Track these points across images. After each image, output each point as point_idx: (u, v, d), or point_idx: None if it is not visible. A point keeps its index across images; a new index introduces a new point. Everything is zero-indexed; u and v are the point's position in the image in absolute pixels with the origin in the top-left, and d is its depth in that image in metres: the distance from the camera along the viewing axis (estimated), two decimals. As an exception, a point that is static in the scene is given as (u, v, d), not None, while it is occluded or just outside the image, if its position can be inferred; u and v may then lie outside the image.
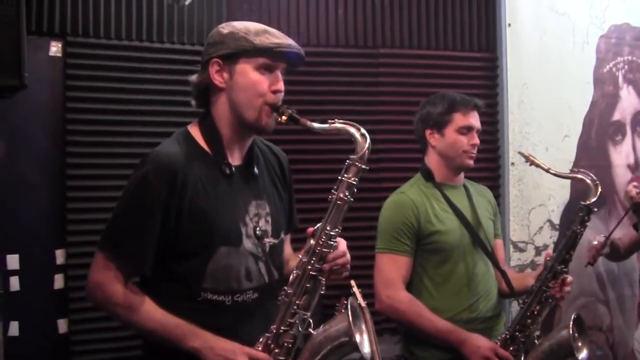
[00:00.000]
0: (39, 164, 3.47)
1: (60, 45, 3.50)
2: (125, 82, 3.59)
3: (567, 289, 2.96)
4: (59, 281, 3.49)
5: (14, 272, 3.38)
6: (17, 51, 2.45)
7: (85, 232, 3.46)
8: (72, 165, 3.50)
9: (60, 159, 3.49)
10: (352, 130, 2.14)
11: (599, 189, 3.02)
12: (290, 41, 2.21)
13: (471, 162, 3.10)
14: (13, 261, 3.38)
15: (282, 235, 2.37)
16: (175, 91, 3.57)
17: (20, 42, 2.47)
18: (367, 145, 2.11)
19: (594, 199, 3.01)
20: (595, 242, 3.48)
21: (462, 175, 3.20)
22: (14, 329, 3.38)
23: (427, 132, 3.12)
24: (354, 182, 2.12)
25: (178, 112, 3.56)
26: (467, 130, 3.06)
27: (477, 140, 3.09)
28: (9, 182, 3.40)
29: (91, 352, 3.50)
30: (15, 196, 3.41)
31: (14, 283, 3.39)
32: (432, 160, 3.14)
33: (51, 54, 3.49)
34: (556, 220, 4.43)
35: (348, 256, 2.20)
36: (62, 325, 3.49)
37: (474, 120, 3.10)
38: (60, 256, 3.49)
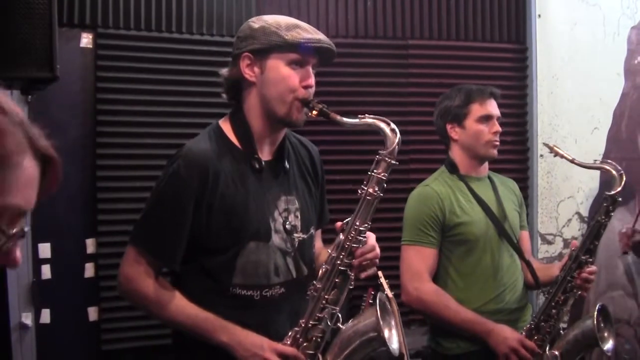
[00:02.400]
0: (70, 154, 3.50)
1: (91, 37, 3.53)
2: (155, 73, 3.62)
3: (592, 278, 2.95)
4: (89, 270, 3.54)
5: (45, 261, 3.44)
6: (49, 44, 2.48)
7: (115, 222, 3.51)
8: (103, 156, 3.54)
9: (91, 149, 3.53)
10: (382, 125, 2.13)
11: (624, 179, 3.01)
12: (321, 36, 2.21)
13: (495, 151, 3.09)
14: (45, 250, 3.43)
15: (312, 231, 2.37)
16: (204, 82, 3.58)
17: (52, 35, 2.49)
18: (397, 141, 2.11)
19: (618, 189, 3.00)
20: (624, 230, 3.46)
21: (486, 166, 3.19)
22: (45, 316, 3.43)
23: (448, 126, 3.12)
24: (384, 178, 2.12)
25: (207, 103, 3.59)
26: (486, 119, 3.06)
27: (498, 128, 3.08)
28: (41, 172, 3.43)
29: (121, 340, 3.55)
30: (46, 186, 3.45)
31: (46, 271, 3.44)
32: (455, 153, 3.14)
33: (82, 45, 3.52)
34: (585, 213, 4.40)
35: (377, 250, 2.19)
36: (93, 313, 3.54)
37: (492, 108, 3.09)
38: (90, 245, 3.54)
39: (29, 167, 1.05)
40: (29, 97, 3.25)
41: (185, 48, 3.68)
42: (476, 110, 3.07)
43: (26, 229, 1.11)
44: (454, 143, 3.14)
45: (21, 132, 1.03)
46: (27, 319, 3.38)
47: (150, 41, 3.62)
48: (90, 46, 3.54)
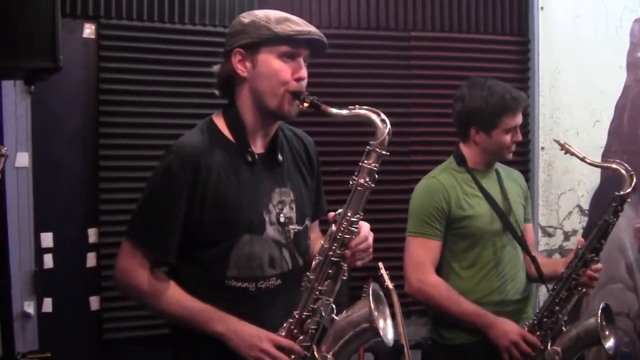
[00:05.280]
0: (73, 145, 3.53)
1: (93, 28, 3.55)
2: (157, 64, 3.63)
3: (597, 276, 2.96)
4: (91, 259, 3.57)
5: (47, 250, 3.47)
6: (52, 34, 2.48)
7: (117, 212, 3.53)
8: (105, 146, 3.56)
9: (93, 139, 3.56)
10: (372, 115, 2.12)
11: (634, 180, 2.99)
12: (311, 28, 2.21)
13: (510, 156, 3.08)
14: (47, 239, 3.46)
15: (307, 222, 2.38)
16: (206, 73, 3.53)
17: (55, 25, 2.50)
18: (387, 131, 2.10)
19: (628, 190, 2.98)
20: (639, 225, 3.48)
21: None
22: (47, 305, 3.46)
23: (472, 130, 3.05)
24: (375, 168, 2.11)
25: (209, 94, 3.52)
26: (513, 129, 3.04)
27: (520, 137, 3.05)
28: (43, 162, 3.46)
29: (122, 329, 3.58)
30: (49, 176, 3.47)
31: (48, 261, 3.47)
32: (469, 149, 3.08)
33: (85, 36, 3.54)
34: (585, 206, 4.41)
35: (370, 240, 2.19)
36: (94, 302, 3.57)
37: (520, 118, 3.04)
38: (92, 235, 3.57)
39: None
40: (32, 87, 3.27)
41: (187, 39, 3.69)
42: (507, 122, 3.00)
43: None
44: (472, 143, 3.09)
45: None
46: (30, 307, 3.41)
47: (153, 32, 3.64)
48: (93, 37, 3.56)
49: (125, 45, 3.58)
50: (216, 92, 2.33)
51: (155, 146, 3.52)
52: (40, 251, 3.45)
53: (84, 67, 3.55)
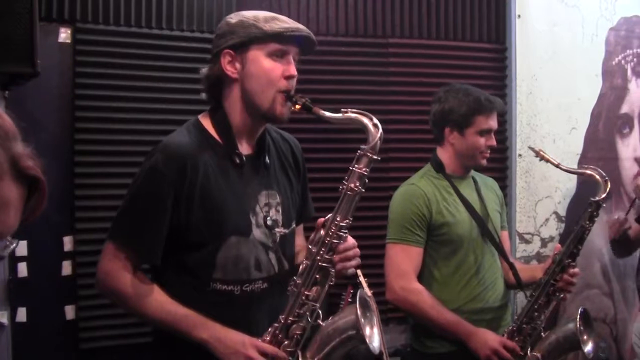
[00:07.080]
0: (48, 151, 3.46)
1: (69, 32, 3.49)
2: (134, 69, 3.58)
3: (574, 281, 2.99)
4: (67, 268, 3.50)
5: (22, 259, 3.39)
6: (30, 39, 2.46)
7: (93, 219, 3.47)
8: (81, 152, 3.50)
9: (69, 145, 3.49)
10: (365, 120, 2.13)
11: (609, 185, 3.03)
12: (300, 26, 2.22)
13: (484, 161, 3.11)
14: (21, 248, 3.39)
15: (294, 225, 2.37)
16: (184, 79, 3.56)
17: (33, 30, 2.48)
18: (379, 136, 2.11)
19: (603, 195, 3.02)
20: (617, 217, 3.52)
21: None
22: (21, 315, 3.39)
23: (447, 129, 3.10)
24: (365, 173, 2.12)
25: (187, 100, 3.57)
26: (486, 132, 3.06)
27: (494, 142, 3.09)
28: (18, 169, 3.40)
29: (99, 338, 3.51)
30: (24, 182, 3.41)
31: (22, 269, 3.40)
32: (445, 153, 3.13)
33: (60, 40, 3.48)
34: (562, 212, 4.43)
35: (357, 250, 2.20)
36: (70, 311, 3.50)
37: (494, 122, 3.09)
38: (68, 243, 3.50)
39: (6, 191, 1.00)
40: (6, 92, 3.22)
41: (165, 44, 3.65)
42: (480, 122, 3.05)
43: (10, 249, 1.04)
44: (447, 144, 3.12)
45: (2, 152, 0.96)
46: (3, 317, 3.34)
47: (130, 37, 3.58)
48: (69, 41, 3.49)
49: (101, 50, 3.52)
50: (203, 95, 2.30)
51: (132, 152, 3.48)
52: (14, 260, 3.38)
53: (60, 72, 3.48)
